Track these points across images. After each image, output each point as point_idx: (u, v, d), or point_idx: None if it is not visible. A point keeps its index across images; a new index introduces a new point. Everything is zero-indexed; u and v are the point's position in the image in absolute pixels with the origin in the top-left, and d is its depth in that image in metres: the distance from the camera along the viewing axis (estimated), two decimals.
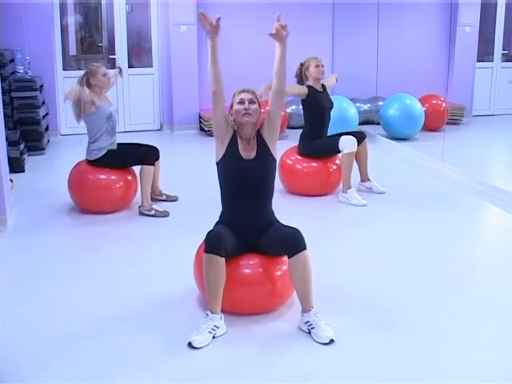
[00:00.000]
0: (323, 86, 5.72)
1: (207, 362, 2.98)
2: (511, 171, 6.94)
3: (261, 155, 3.41)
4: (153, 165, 5.23)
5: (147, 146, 5.40)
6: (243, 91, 3.45)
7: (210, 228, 3.34)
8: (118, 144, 5.29)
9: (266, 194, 3.46)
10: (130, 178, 5.28)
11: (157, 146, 5.40)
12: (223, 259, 3.15)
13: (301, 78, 5.63)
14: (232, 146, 3.41)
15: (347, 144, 5.47)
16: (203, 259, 3.18)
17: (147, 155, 5.24)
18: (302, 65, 5.63)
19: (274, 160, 3.47)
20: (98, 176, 5.18)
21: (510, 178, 6.40)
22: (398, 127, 8.10)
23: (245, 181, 3.37)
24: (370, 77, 8.48)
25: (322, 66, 5.61)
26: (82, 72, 5.22)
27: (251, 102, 3.40)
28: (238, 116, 3.39)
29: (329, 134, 5.74)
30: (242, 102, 3.40)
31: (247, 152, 3.41)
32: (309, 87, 5.54)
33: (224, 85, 3.42)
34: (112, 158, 5.17)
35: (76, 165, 5.33)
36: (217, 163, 3.46)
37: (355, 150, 5.50)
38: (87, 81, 5.10)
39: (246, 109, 3.37)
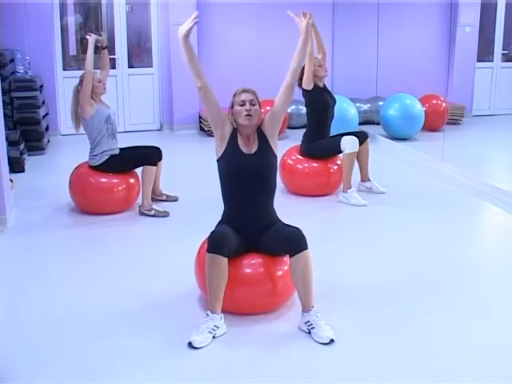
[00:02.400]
0: (324, 85, 5.72)
1: (207, 362, 2.98)
2: (511, 171, 6.94)
3: (262, 150, 3.41)
4: (155, 165, 5.24)
5: (150, 147, 5.40)
6: (244, 91, 3.43)
7: (210, 228, 3.34)
8: (120, 149, 5.29)
9: (267, 190, 3.45)
10: (132, 180, 5.27)
11: (158, 146, 5.40)
12: (226, 259, 3.16)
13: (301, 82, 5.61)
14: (232, 141, 3.41)
15: (349, 144, 5.48)
16: (206, 259, 3.18)
17: (150, 156, 5.23)
18: (302, 69, 5.62)
19: (275, 156, 3.48)
20: (100, 179, 5.17)
21: (510, 177, 6.40)
22: (397, 127, 8.10)
23: (246, 176, 3.37)
24: (370, 77, 8.48)
25: (324, 65, 5.62)
26: (82, 72, 5.22)
27: (252, 103, 3.39)
28: (239, 117, 3.39)
29: (331, 135, 5.74)
30: (243, 103, 3.38)
31: (248, 147, 3.41)
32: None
33: (208, 80, 3.39)
34: (115, 163, 5.15)
35: (77, 167, 5.32)
36: (217, 160, 3.46)
37: (357, 150, 5.50)
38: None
39: (247, 110, 3.36)
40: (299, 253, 3.18)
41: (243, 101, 3.38)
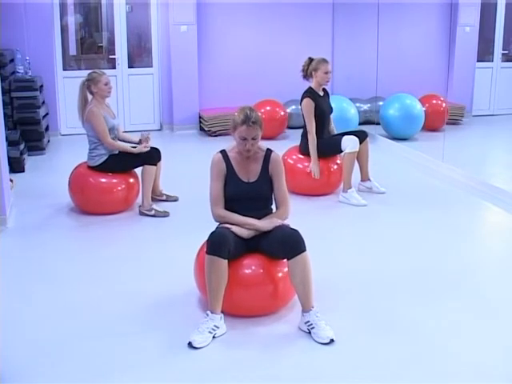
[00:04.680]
0: (324, 89, 5.70)
1: (207, 361, 2.98)
2: (511, 171, 6.94)
3: (261, 179, 3.44)
4: (155, 165, 5.23)
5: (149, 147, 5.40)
6: (247, 125, 3.32)
7: (210, 228, 3.34)
8: None
9: (266, 204, 3.50)
10: (132, 180, 5.27)
11: (157, 147, 5.39)
12: (226, 261, 3.16)
13: (306, 73, 5.59)
14: (229, 171, 3.43)
15: (349, 144, 5.47)
16: (205, 260, 3.17)
17: (150, 156, 5.22)
18: (310, 60, 5.57)
19: (271, 183, 3.49)
20: (100, 179, 5.16)
21: (510, 177, 6.40)
22: (397, 127, 8.10)
23: (245, 200, 3.40)
24: (370, 77, 8.48)
25: (330, 73, 5.58)
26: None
27: (254, 138, 3.36)
28: (239, 146, 3.39)
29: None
30: (244, 138, 3.35)
31: (246, 170, 3.43)
32: (309, 95, 5.50)
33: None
34: (114, 163, 5.14)
35: (76, 167, 5.32)
36: None
37: (357, 149, 5.50)
38: (88, 87, 5.10)
39: (248, 148, 3.35)
40: (297, 255, 3.18)
41: (245, 138, 3.35)
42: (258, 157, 3.46)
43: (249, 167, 3.45)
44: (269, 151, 3.50)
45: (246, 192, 3.41)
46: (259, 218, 3.41)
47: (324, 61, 5.52)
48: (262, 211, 3.46)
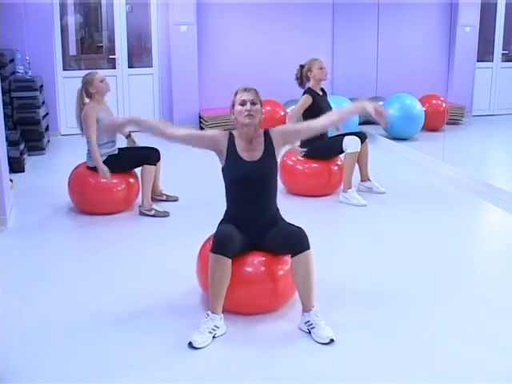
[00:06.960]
0: (322, 89, 5.70)
1: (207, 361, 2.98)
2: (511, 171, 6.94)
3: (266, 157, 3.40)
4: (154, 165, 5.23)
5: (148, 147, 5.39)
6: (245, 90, 3.41)
7: (211, 228, 3.35)
8: (119, 149, 5.28)
9: (270, 193, 3.46)
10: (132, 180, 5.27)
11: (157, 147, 5.39)
12: (230, 260, 3.16)
13: (301, 80, 5.61)
14: (231, 151, 3.40)
15: (351, 144, 5.47)
16: (210, 259, 3.17)
17: (149, 155, 5.23)
18: (302, 67, 5.61)
19: (276, 163, 3.47)
20: (99, 179, 5.14)
21: (510, 178, 6.40)
22: (397, 127, 8.09)
23: (250, 182, 3.36)
24: (370, 77, 8.48)
25: (325, 68, 5.59)
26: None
27: (253, 102, 3.37)
28: (239, 117, 3.38)
29: (330, 135, 5.73)
30: (243, 102, 3.37)
31: (249, 153, 3.39)
32: (309, 92, 5.51)
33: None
34: (113, 163, 5.13)
35: (76, 167, 5.32)
36: (222, 169, 3.47)
37: (358, 150, 5.50)
38: (86, 90, 5.10)
39: (248, 110, 3.35)
40: (301, 253, 3.18)
41: (244, 100, 3.37)
42: (259, 141, 3.44)
43: (251, 148, 3.41)
44: (266, 130, 3.48)
45: (249, 170, 3.35)
46: (262, 211, 3.40)
47: (314, 59, 5.55)
48: (267, 196, 3.43)
